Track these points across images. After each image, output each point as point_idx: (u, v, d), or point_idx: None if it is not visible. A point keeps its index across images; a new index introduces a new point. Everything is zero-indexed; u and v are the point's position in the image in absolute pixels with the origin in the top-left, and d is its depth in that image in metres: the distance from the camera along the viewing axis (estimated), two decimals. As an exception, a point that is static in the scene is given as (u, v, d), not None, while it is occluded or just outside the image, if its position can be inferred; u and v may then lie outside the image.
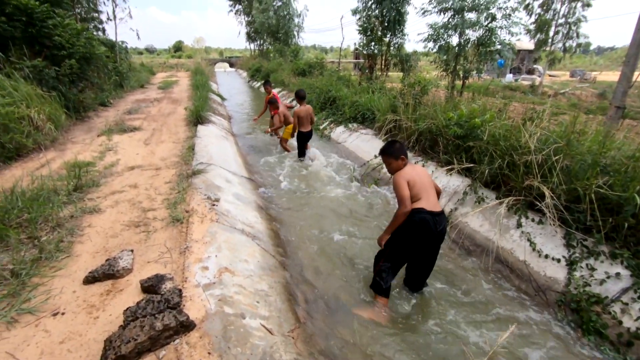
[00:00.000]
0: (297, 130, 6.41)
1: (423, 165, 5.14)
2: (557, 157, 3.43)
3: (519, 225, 3.50)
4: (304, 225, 4.25)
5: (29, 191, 3.41)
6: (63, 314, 2.11)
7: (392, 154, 2.78)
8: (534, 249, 3.24)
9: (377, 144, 6.51)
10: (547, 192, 3.28)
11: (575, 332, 2.68)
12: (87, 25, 11.18)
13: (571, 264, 2.97)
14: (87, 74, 8.80)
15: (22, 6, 6.69)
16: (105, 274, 2.43)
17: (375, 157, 6.13)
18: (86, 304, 2.19)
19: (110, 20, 13.81)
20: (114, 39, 14.03)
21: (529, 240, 3.32)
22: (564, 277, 2.94)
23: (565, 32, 18.92)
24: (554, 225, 3.20)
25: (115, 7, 13.86)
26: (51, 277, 2.43)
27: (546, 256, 3.14)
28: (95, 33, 11.80)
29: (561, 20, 18.83)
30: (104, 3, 13.06)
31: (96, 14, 13.23)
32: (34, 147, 5.18)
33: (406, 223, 2.63)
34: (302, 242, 3.87)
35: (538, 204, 3.40)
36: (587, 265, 2.90)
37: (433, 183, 2.81)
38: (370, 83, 10.45)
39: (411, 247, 2.72)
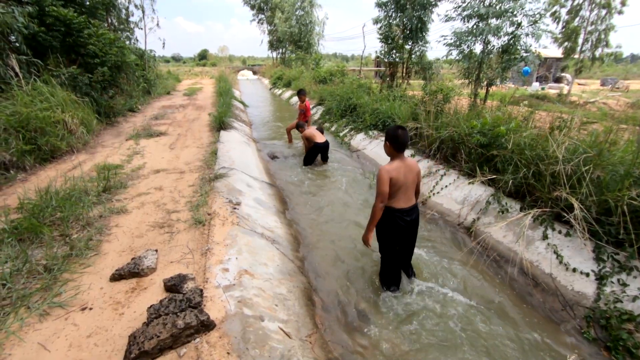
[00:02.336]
0: (311, 145, 6.72)
1: (444, 174, 5.07)
2: (587, 168, 3.31)
3: (545, 237, 3.38)
4: (323, 230, 4.26)
5: (62, 191, 3.58)
6: (91, 309, 2.19)
7: (390, 141, 2.79)
8: (560, 262, 3.12)
9: (398, 151, 6.45)
10: (576, 204, 3.16)
11: (603, 350, 2.55)
12: (119, 34, 11.72)
13: (601, 279, 2.84)
14: (117, 81, 9.21)
15: (61, 17, 7.09)
16: (131, 272, 2.51)
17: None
18: (112, 300, 2.27)
19: (141, 29, 14.44)
20: (143, 48, 14.63)
21: (555, 252, 3.20)
22: (593, 292, 2.81)
23: (594, 40, 18.29)
24: (582, 237, 3.07)
25: (144, 16, 14.47)
26: (80, 273, 2.53)
27: (574, 270, 3.01)
28: (126, 42, 12.32)
29: (590, 28, 18.23)
30: (133, 14, 13.61)
31: (127, 24, 13.84)
32: (67, 150, 5.45)
33: (381, 222, 2.89)
34: (320, 248, 3.88)
35: (565, 215, 3.27)
36: (618, 280, 2.76)
37: (417, 181, 2.90)
38: (391, 91, 10.42)
39: (392, 239, 2.95)
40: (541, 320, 2.86)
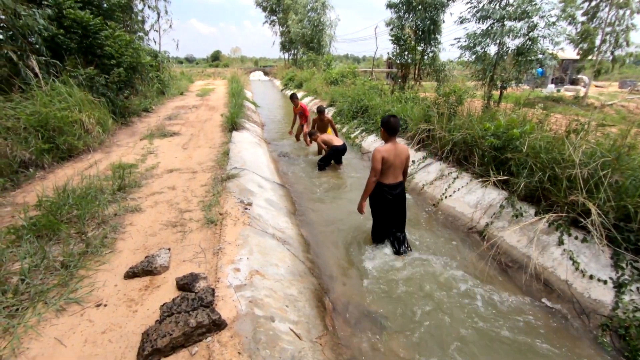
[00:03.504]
0: (329, 148, 6.66)
1: (457, 177, 5.01)
2: (605, 172, 3.24)
3: (561, 242, 3.31)
4: (334, 231, 4.26)
5: (78, 189, 3.67)
6: (105, 305, 2.23)
7: (385, 127, 3.45)
8: (577, 269, 3.05)
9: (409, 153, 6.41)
10: (593, 209, 3.09)
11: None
12: (135, 36, 11.92)
13: (619, 287, 2.76)
14: (133, 82, 9.37)
15: (79, 20, 7.25)
16: (144, 270, 2.55)
17: (407, 166, 6.04)
18: (126, 298, 2.31)
19: (156, 31, 14.68)
20: (157, 49, 14.86)
21: (571, 259, 3.13)
22: (611, 300, 2.74)
23: (612, 40, 17.81)
24: (600, 244, 3.00)
25: (159, 18, 14.70)
26: (95, 270, 2.58)
27: (591, 277, 2.94)
28: (141, 43, 12.52)
29: (608, 29, 17.77)
30: (149, 16, 13.85)
31: (142, 25, 14.07)
32: (83, 149, 5.57)
33: (373, 194, 3.55)
34: (329, 248, 3.88)
35: (582, 220, 3.20)
36: (637, 289, 2.69)
37: (406, 164, 3.54)
38: (402, 92, 10.36)
39: (380, 208, 3.61)
40: (556, 326, 2.80)
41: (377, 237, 3.79)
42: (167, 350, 1.86)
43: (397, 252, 3.66)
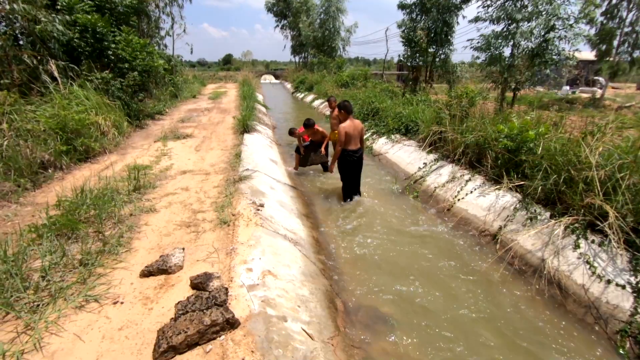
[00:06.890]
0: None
1: (469, 180, 4.97)
2: (622, 174, 3.17)
3: (577, 246, 3.25)
4: (343, 232, 4.26)
5: (95, 190, 3.75)
6: (122, 303, 2.28)
7: (344, 110, 4.73)
8: (593, 273, 2.99)
9: (420, 155, 6.39)
10: (611, 212, 3.03)
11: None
12: (149, 40, 12.16)
13: (638, 291, 2.70)
14: (147, 85, 9.55)
15: (87, 24, 7.32)
16: (159, 269, 2.60)
17: (420, 169, 6.02)
18: (142, 296, 2.36)
19: (169, 35, 14.96)
20: (171, 53, 15.14)
21: (588, 263, 3.07)
22: (630, 305, 2.68)
23: (632, 41, 17.38)
24: (618, 247, 2.94)
25: (173, 23, 15.01)
26: (112, 268, 2.64)
27: (608, 281, 2.88)
28: (155, 47, 12.75)
29: (627, 29, 17.37)
30: (164, 20, 14.12)
31: (157, 30, 14.36)
32: (99, 151, 5.70)
33: (341, 159, 4.84)
34: (341, 250, 3.88)
35: (599, 224, 3.14)
36: (658, 294, 2.62)
37: (362, 134, 4.89)
38: (414, 95, 10.32)
39: (346, 170, 4.91)
40: (575, 332, 2.75)
41: (346, 194, 5.07)
42: (182, 347, 1.89)
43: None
